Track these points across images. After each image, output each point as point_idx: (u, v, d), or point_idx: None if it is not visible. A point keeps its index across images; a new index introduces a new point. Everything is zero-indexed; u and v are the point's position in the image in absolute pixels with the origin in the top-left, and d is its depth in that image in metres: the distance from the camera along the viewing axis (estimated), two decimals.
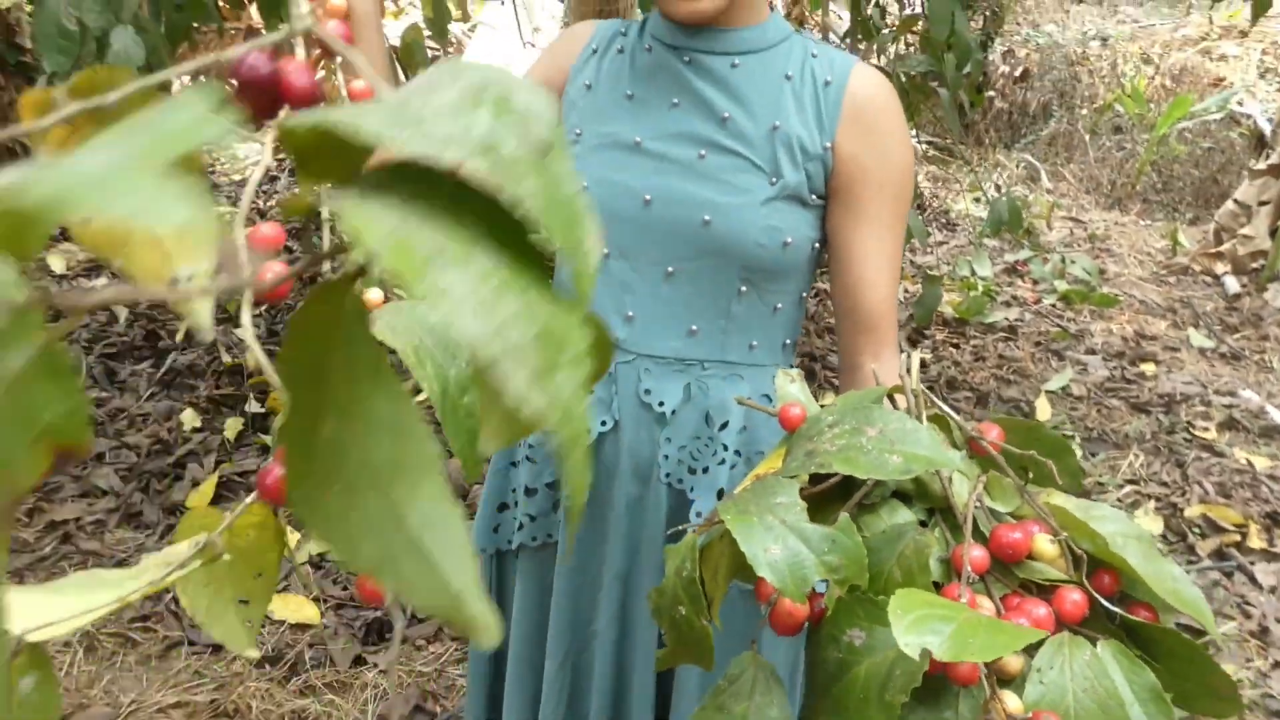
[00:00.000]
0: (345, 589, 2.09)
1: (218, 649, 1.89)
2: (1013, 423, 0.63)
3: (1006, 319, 3.70)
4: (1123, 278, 4.33)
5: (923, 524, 0.58)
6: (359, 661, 1.92)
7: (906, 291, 3.77)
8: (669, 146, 1.00)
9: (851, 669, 0.51)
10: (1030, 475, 0.60)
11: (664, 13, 1.01)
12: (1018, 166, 6.08)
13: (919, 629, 0.45)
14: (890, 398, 0.66)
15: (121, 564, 2.06)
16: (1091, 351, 3.54)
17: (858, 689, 0.50)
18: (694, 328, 1.02)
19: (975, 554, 0.53)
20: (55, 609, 0.34)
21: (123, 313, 3.04)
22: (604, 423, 1.05)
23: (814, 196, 1.00)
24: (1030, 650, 0.48)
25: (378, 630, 2.00)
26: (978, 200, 5.11)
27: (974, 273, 4.06)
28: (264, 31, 4.44)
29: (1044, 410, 3.06)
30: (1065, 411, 3.10)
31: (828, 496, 0.60)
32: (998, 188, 5.57)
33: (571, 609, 1.10)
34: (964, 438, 0.63)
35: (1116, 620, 0.52)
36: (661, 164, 1.00)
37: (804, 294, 1.08)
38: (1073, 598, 0.51)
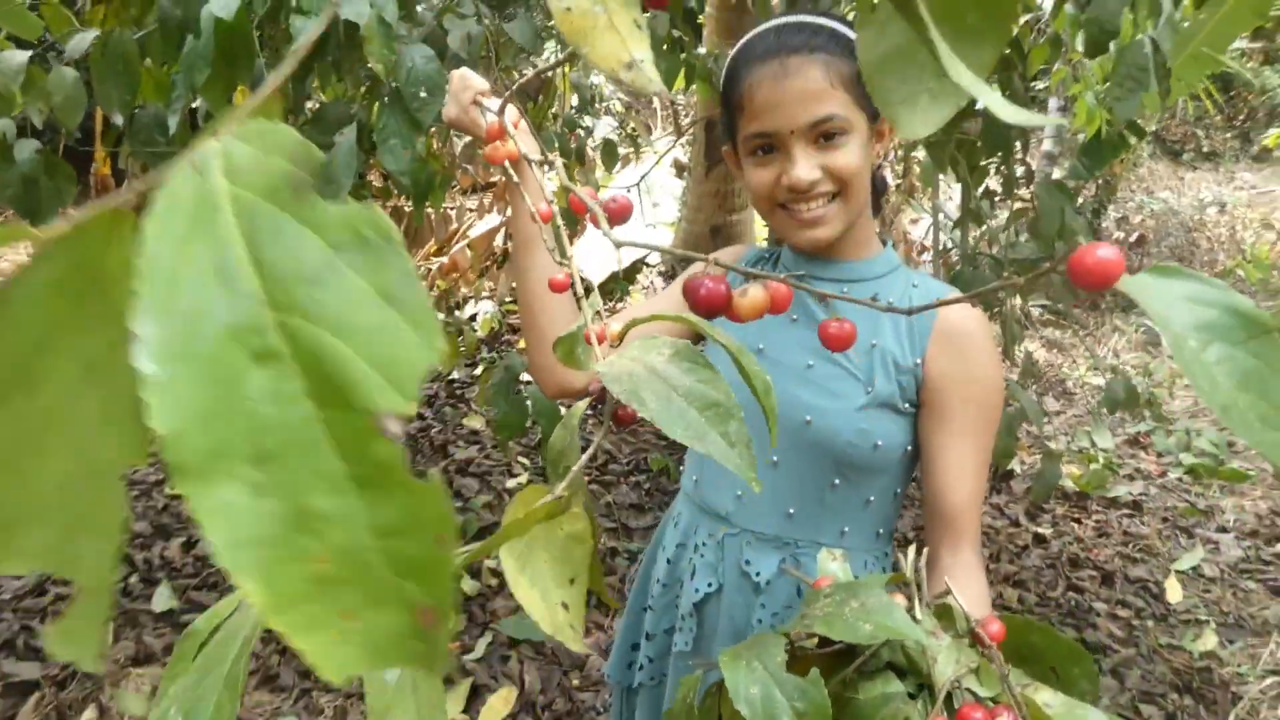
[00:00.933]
0: None
1: None
2: (1028, 624, 0.72)
3: (1130, 493, 3.62)
4: (1254, 450, 4.18)
5: (912, 696, 0.68)
6: None
7: (1023, 464, 3.74)
8: (785, 354, 1.15)
9: None
10: (1057, 676, 0.71)
11: (788, 241, 1.17)
12: (1136, 331, 6.01)
13: None
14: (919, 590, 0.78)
15: None
16: (1223, 529, 3.42)
17: None
18: (791, 511, 1.15)
19: None
20: None
21: None
22: (710, 584, 1.20)
23: (906, 405, 1.11)
24: None
25: None
26: (1095, 368, 5.07)
27: (1094, 444, 4.00)
28: (408, 208, 4.87)
29: (1175, 592, 2.96)
30: (1197, 594, 2.99)
31: (837, 659, 0.71)
32: (1115, 355, 5.51)
33: None
34: (967, 628, 0.71)
35: None
36: (777, 369, 1.15)
37: (898, 490, 1.18)
38: None
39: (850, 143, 1.06)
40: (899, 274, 1.17)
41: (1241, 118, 8.94)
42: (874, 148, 1.11)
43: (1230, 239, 6.59)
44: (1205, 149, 8.70)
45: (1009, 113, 0.39)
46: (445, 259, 5.07)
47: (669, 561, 1.27)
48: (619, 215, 0.67)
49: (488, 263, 4.86)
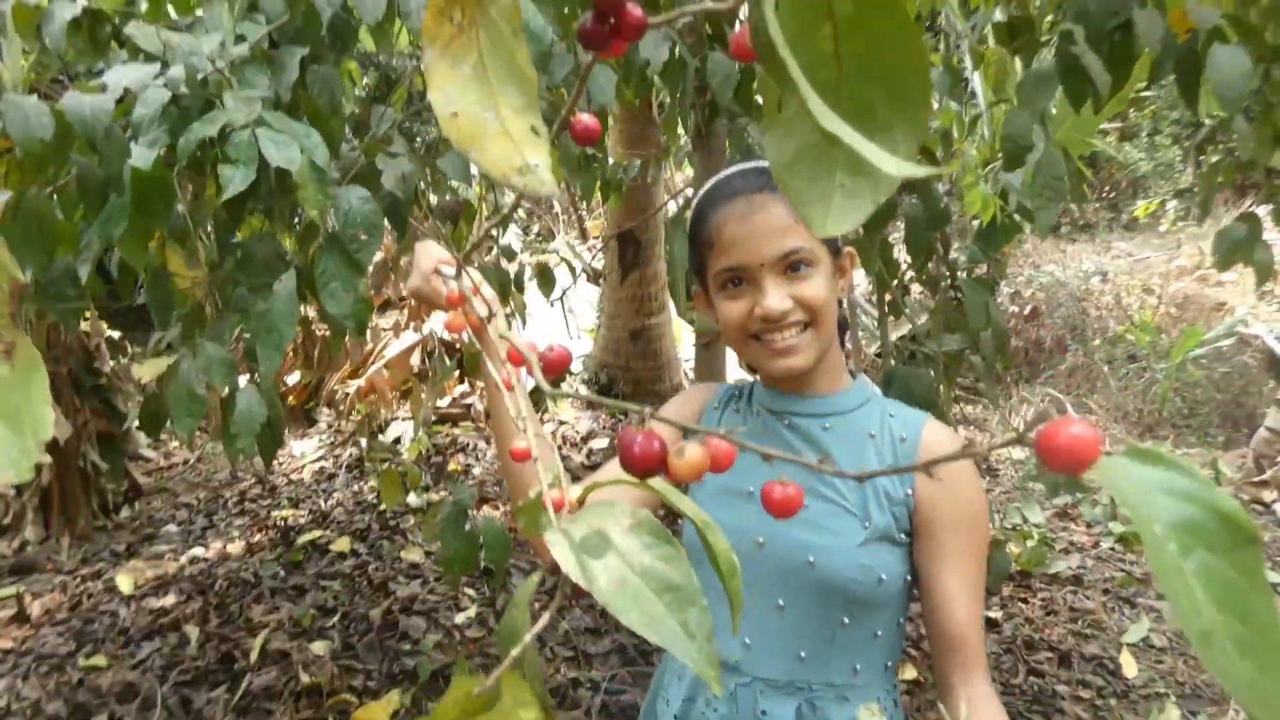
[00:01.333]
0: None
1: None
2: None
3: (1070, 567, 3.68)
4: None
5: None
6: None
7: None
8: None
9: None
10: None
11: (762, 371, 1.18)
12: (1042, 400, 6.22)
13: None
14: None
15: None
16: (1162, 596, 3.49)
17: None
18: (802, 654, 1.13)
19: None
20: None
21: (194, 633, 3.07)
22: None
23: (902, 535, 1.12)
24: None
25: None
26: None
27: (1025, 520, 4.08)
28: (320, 332, 4.74)
29: (1130, 666, 2.98)
30: (1151, 665, 3.03)
31: None
32: (1025, 423, 5.68)
33: None
34: None
35: None
36: None
37: (900, 620, 1.17)
38: None
39: (816, 274, 1.10)
40: (874, 403, 1.19)
41: (1108, 189, 9.54)
42: (838, 281, 1.15)
43: (1117, 305, 6.94)
44: (1080, 222, 9.23)
45: (891, 165, 0.37)
46: (362, 381, 4.94)
47: (676, 718, 1.22)
48: (556, 366, 0.66)
49: (407, 384, 4.75)
